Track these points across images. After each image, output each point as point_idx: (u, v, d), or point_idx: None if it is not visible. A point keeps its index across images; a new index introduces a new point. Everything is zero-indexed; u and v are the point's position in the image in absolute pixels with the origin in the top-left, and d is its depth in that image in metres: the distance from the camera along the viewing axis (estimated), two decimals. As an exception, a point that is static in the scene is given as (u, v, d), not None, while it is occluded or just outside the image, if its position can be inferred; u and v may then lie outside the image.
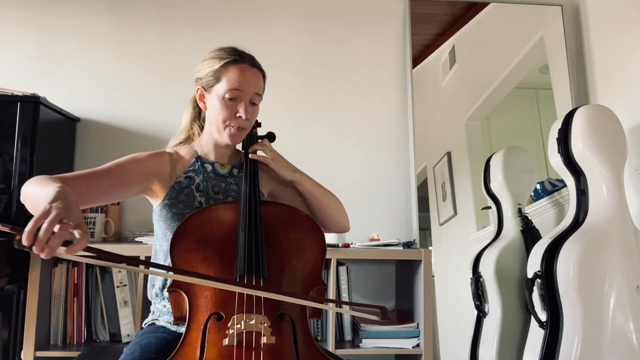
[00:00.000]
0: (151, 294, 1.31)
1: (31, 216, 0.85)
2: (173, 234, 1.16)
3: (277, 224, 1.23)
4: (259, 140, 1.38)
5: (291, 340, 1.04)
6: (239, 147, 1.43)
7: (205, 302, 1.07)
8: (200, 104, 1.33)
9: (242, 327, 0.99)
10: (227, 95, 1.26)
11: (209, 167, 1.34)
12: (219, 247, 1.16)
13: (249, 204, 1.22)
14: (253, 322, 1.00)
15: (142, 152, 1.31)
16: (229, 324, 1.01)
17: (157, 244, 1.31)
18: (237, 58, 1.28)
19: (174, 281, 1.10)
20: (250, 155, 1.34)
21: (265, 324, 1.00)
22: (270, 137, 1.46)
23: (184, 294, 1.09)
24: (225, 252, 1.15)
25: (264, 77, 1.33)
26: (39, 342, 1.81)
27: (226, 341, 0.99)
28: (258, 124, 1.48)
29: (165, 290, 1.21)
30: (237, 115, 1.26)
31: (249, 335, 0.99)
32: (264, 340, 0.98)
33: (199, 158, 1.34)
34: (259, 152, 1.38)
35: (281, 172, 1.36)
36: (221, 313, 1.05)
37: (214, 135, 1.32)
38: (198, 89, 1.33)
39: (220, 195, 1.31)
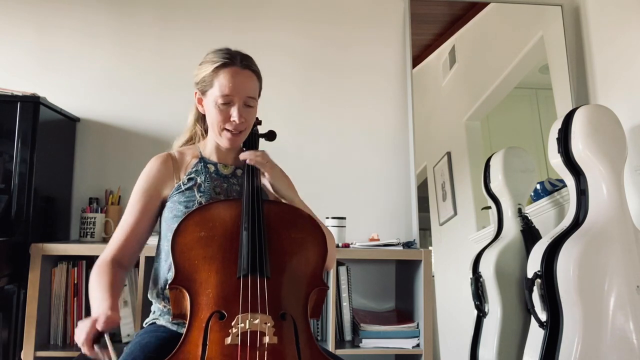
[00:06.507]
0: (152, 294, 1.32)
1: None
2: (174, 231, 1.16)
3: (279, 223, 1.23)
4: (257, 154, 1.33)
5: (293, 341, 1.05)
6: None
7: (207, 300, 1.07)
8: (200, 108, 1.36)
9: (247, 327, 1.00)
10: (219, 101, 1.27)
11: (212, 168, 1.36)
12: (221, 244, 1.15)
13: (252, 201, 1.22)
14: (257, 321, 1.01)
15: (148, 173, 1.32)
16: (232, 323, 1.01)
17: (161, 243, 1.33)
18: (228, 61, 1.27)
19: (176, 278, 1.10)
20: (247, 162, 1.32)
21: (268, 324, 1.01)
22: (271, 135, 1.46)
23: (185, 292, 1.09)
24: (227, 250, 1.14)
25: (258, 77, 1.33)
26: (39, 342, 1.81)
27: (228, 340, 0.99)
28: (258, 122, 1.48)
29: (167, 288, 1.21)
30: (231, 119, 1.27)
31: (253, 335, 1.00)
32: (266, 340, 0.99)
33: (202, 159, 1.36)
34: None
35: (277, 187, 1.32)
36: (223, 312, 1.05)
37: (215, 138, 1.34)
38: (196, 92, 1.34)
39: (222, 196, 1.32)
